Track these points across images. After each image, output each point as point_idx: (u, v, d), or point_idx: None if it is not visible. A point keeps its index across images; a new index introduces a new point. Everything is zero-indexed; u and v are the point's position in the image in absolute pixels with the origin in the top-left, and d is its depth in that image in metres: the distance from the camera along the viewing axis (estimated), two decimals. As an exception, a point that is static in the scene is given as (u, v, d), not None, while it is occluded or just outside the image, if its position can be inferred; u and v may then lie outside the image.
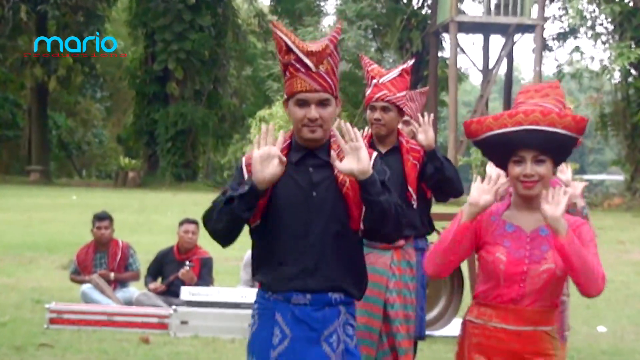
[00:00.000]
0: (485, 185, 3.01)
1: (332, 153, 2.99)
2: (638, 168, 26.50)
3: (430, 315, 7.34)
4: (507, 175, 3.10)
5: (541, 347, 3.03)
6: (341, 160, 2.97)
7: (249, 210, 2.96)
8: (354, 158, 2.93)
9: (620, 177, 34.74)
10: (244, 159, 3.13)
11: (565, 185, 5.44)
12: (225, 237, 3.08)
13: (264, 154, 2.93)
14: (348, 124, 3.00)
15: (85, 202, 21.00)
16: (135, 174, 33.02)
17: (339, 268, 3.06)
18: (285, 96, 3.13)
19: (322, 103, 3.04)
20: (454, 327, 7.58)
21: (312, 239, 3.03)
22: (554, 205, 2.92)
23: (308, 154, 3.09)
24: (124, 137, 39.02)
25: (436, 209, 5.19)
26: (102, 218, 8.47)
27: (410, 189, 4.57)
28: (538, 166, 3.01)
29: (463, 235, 3.01)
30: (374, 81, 4.62)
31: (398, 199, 3.05)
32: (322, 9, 38.01)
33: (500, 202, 3.22)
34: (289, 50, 3.04)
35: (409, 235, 4.61)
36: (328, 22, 38.13)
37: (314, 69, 3.02)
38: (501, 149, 3.05)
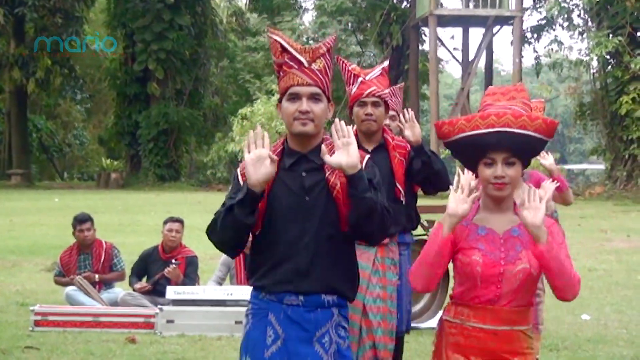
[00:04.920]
0: (460, 195, 3.04)
1: (323, 147, 3.03)
2: (618, 156, 26.70)
3: (416, 307, 7.37)
4: (476, 177, 3.13)
5: (517, 346, 3.08)
6: (332, 156, 3.02)
7: (251, 214, 3.01)
8: (344, 152, 2.98)
9: (601, 166, 34.98)
10: (239, 170, 3.17)
11: (549, 171, 5.49)
12: (233, 247, 3.17)
13: (254, 157, 2.99)
14: (342, 122, 3.06)
15: (68, 204, 20.92)
16: (117, 175, 32.91)
17: (332, 270, 3.11)
18: (279, 98, 3.19)
19: (314, 97, 3.09)
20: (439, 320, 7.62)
21: (305, 242, 3.07)
22: (532, 211, 2.96)
23: (301, 158, 3.13)
24: (105, 138, 38.86)
25: (421, 201, 5.21)
26: (83, 220, 8.41)
27: (399, 185, 4.60)
28: (508, 168, 3.04)
29: (447, 247, 3.04)
30: (360, 79, 4.65)
31: (386, 202, 3.08)
32: (301, 4, 38.01)
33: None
34: (284, 50, 3.12)
35: (394, 233, 4.64)
36: (307, 18, 38.14)
37: (306, 65, 3.10)
38: (472, 151, 3.08)
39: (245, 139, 3.08)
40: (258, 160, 2.98)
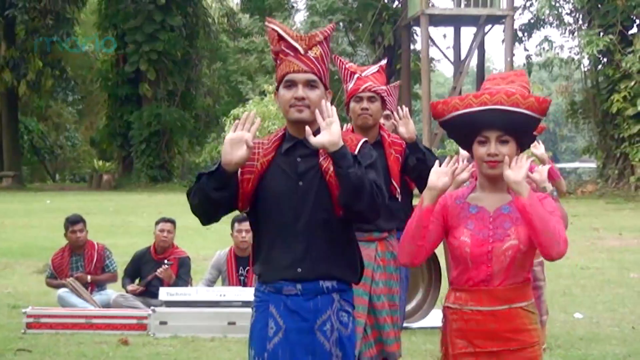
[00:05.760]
0: (443, 168, 3.07)
1: (307, 128, 3.04)
2: (609, 155, 26.76)
3: (409, 307, 7.36)
4: (472, 157, 3.15)
5: (519, 323, 3.09)
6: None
7: (217, 190, 3.03)
8: (327, 131, 3.00)
9: (592, 165, 35.06)
10: None
11: (540, 159, 5.53)
12: (201, 214, 3.18)
13: (235, 137, 3.01)
14: (327, 103, 3.09)
15: (60, 206, 20.85)
16: (109, 177, 32.85)
17: (329, 255, 3.12)
18: (276, 86, 3.21)
19: (310, 84, 3.12)
20: (432, 319, 7.62)
21: (300, 228, 3.09)
22: (516, 169, 3.00)
23: (297, 143, 3.16)
24: (97, 139, 38.76)
25: (416, 200, 5.22)
26: (75, 222, 8.39)
27: (394, 182, 4.62)
28: (502, 146, 3.07)
29: (427, 219, 3.06)
30: (356, 75, 4.70)
31: (380, 182, 3.08)
32: (293, 4, 38.02)
33: (467, 186, 3.28)
34: (280, 38, 3.15)
35: (392, 228, 4.66)
36: (299, 18, 38.14)
37: (302, 52, 3.13)
38: (466, 129, 3.11)
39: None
40: (238, 142, 3.00)
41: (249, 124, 3.03)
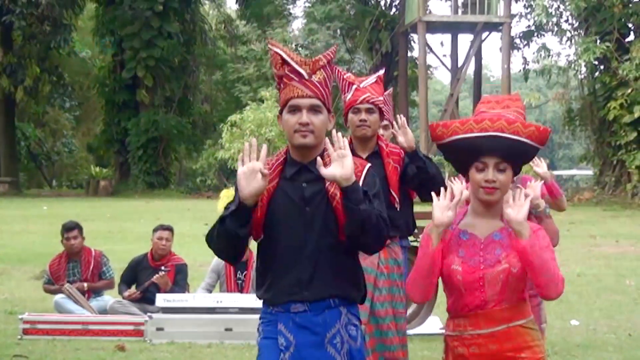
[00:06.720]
0: (444, 202, 3.06)
1: (318, 159, 3.06)
2: (606, 162, 26.80)
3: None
4: (467, 181, 3.15)
5: (520, 341, 3.08)
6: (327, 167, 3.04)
7: (242, 226, 3.04)
8: (339, 164, 3.01)
9: (589, 172, 35.09)
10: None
11: (543, 178, 5.52)
12: (230, 256, 3.24)
13: (247, 170, 3.01)
14: (339, 134, 3.08)
15: (57, 212, 20.81)
16: (106, 183, 32.79)
17: (335, 279, 3.14)
18: (279, 109, 3.22)
19: (314, 109, 3.12)
20: (429, 326, 7.63)
21: (306, 253, 3.10)
22: (516, 208, 3.00)
23: (302, 168, 3.16)
24: (94, 146, 38.72)
25: (417, 207, 5.23)
26: (70, 228, 8.39)
27: (393, 192, 4.64)
28: (499, 173, 3.07)
29: (438, 258, 3.07)
30: (354, 86, 4.73)
31: (384, 212, 3.09)
32: (291, 12, 38.07)
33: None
34: (284, 62, 3.16)
35: (394, 235, 4.67)
36: (297, 25, 38.19)
37: (306, 77, 3.13)
38: (465, 154, 3.11)
39: (241, 150, 3.11)
40: (251, 174, 3.00)
41: (254, 152, 3.03)
